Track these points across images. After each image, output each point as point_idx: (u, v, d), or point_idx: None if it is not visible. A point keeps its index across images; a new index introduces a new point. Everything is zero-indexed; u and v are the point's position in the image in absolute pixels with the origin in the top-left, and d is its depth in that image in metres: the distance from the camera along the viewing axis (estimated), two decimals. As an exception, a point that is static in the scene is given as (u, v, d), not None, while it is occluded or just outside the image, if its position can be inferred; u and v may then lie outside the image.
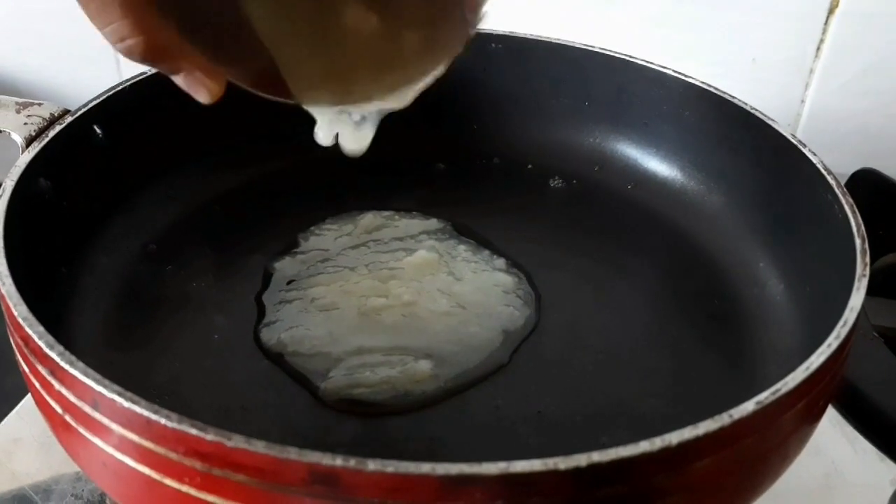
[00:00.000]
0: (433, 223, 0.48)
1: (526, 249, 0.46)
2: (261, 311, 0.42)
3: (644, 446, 0.25)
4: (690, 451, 0.25)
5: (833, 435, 0.43)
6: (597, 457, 0.24)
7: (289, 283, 0.43)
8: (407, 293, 0.43)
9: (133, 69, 0.47)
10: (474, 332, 0.41)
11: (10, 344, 0.33)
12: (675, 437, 0.25)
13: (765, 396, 0.27)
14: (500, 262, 0.45)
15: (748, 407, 0.26)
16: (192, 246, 0.45)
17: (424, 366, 0.39)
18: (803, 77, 0.60)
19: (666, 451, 0.25)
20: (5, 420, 0.43)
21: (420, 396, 0.38)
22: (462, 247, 0.46)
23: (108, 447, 0.27)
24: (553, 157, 0.52)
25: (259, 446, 0.25)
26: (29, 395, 0.43)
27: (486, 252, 0.46)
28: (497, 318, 0.42)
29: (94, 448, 0.28)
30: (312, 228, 0.47)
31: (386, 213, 0.48)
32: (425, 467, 0.24)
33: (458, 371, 0.39)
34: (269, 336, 0.40)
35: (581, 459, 0.24)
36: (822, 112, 0.61)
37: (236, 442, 0.25)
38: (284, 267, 0.44)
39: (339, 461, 0.24)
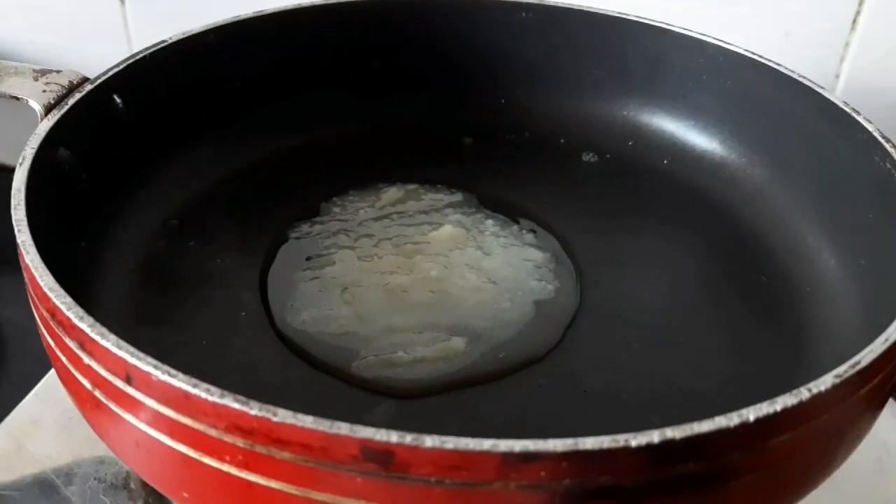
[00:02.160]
0: (459, 197, 0.46)
1: (559, 225, 0.44)
2: (285, 289, 0.40)
3: (721, 422, 0.23)
4: (768, 427, 0.24)
5: (885, 416, 0.41)
6: (670, 433, 0.23)
7: (311, 258, 0.42)
8: (434, 269, 0.41)
9: (144, 42, 0.45)
10: (507, 308, 0.39)
11: (23, 327, 0.31)
12: (752, 413, 0.23)
13: (844, 370, 0.25)
14: (530, 236, 0.43)
15: (827, 380, 0.25)
16: (215, 220, 0.43)
17: (458, 343, 0.37)
18: (838, 50, 0.58)
19: (743, 428, 0.23)
20: (23, 402, 0.41)
21: (457, 375, 0.36)
22: (490, 221, 0.44)
23: (142, 424, 0.26)
24: (585, 130, 0.50)
25: (307, 421, 0.23)
26: (46, 377, 0.42)
27: (515, 227, 0.44)
28: (529, 293, 0.40)
29: (126, 426, 0.26)
30: (335, 199, 0.45)
31: (410, 186, 0.47)
32: (487, 444, 0.23)
33: (492, 347, 0.37)
34: (292, 317, 0.38)
35: (654, 436, 0.23)
36: (858, 87, 0.59)
37: (282, 417, 0.23)
38: (307, 241, 0.43)
39: (394, 437, 0.23)
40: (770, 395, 0.25)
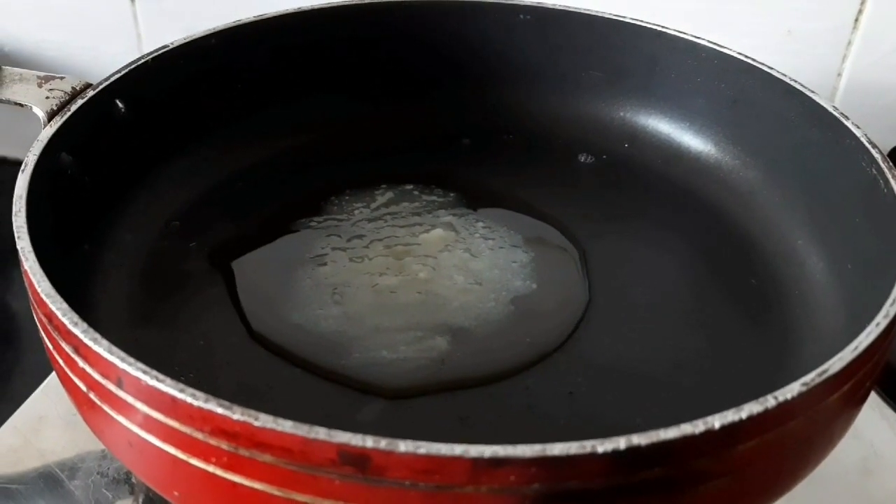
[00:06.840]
0: (453, 198, 0.47)
1: (554, 227, 0.45)
2: (280, 289, 0.41)
3: (686, 429, 0.24)
4: (734, 434, 0.24)
5: (871, 417, 0.42)
6: (636, 439, 0.24)
7: (306, 258, 0.43)
8: (422, 270, 0.42)
9: (154, 43, 0.46)
10: (491, 307, 0.40)
11: (34, 321, 0.32)
12: (717, 420, 0.24)
13: (811, 378, 0.26)
14: (519, 238, 0.44)
15: (794, 388, 0.25)
16: (216, 222, 0.44)
17: (441, 342, 0.38)
18: (840, 49, 0.58)
19: (709, 434, 0.24)
20: (31, 397, 0.43)
21: (447, 376, 0.37)
22: (480, 223, 0.45)
23: (134, 426, 0.27)
24: (582, 132, 0.50)
25: (287, 426, 0.24)
26: (53, 373, 0.43)
27: (504, 228, 0.45)
28: (513, 292, 0.41)
29: (119, 427, 0.27)
30: (333, 199, 0.46)
31: (407, 187, 0.47)
32: (458, 449, 0.23)
33: (476, 345, 0.38)
34: (285, 317, 0.39)
35: (620, 442, 0.23)
36: (860, 86, 0.59)
37: (263, 421, 0.24)
38: (303, 241, 0.44)
39: (369, 442, 0.23)
40: (756, 395, 0.25)
